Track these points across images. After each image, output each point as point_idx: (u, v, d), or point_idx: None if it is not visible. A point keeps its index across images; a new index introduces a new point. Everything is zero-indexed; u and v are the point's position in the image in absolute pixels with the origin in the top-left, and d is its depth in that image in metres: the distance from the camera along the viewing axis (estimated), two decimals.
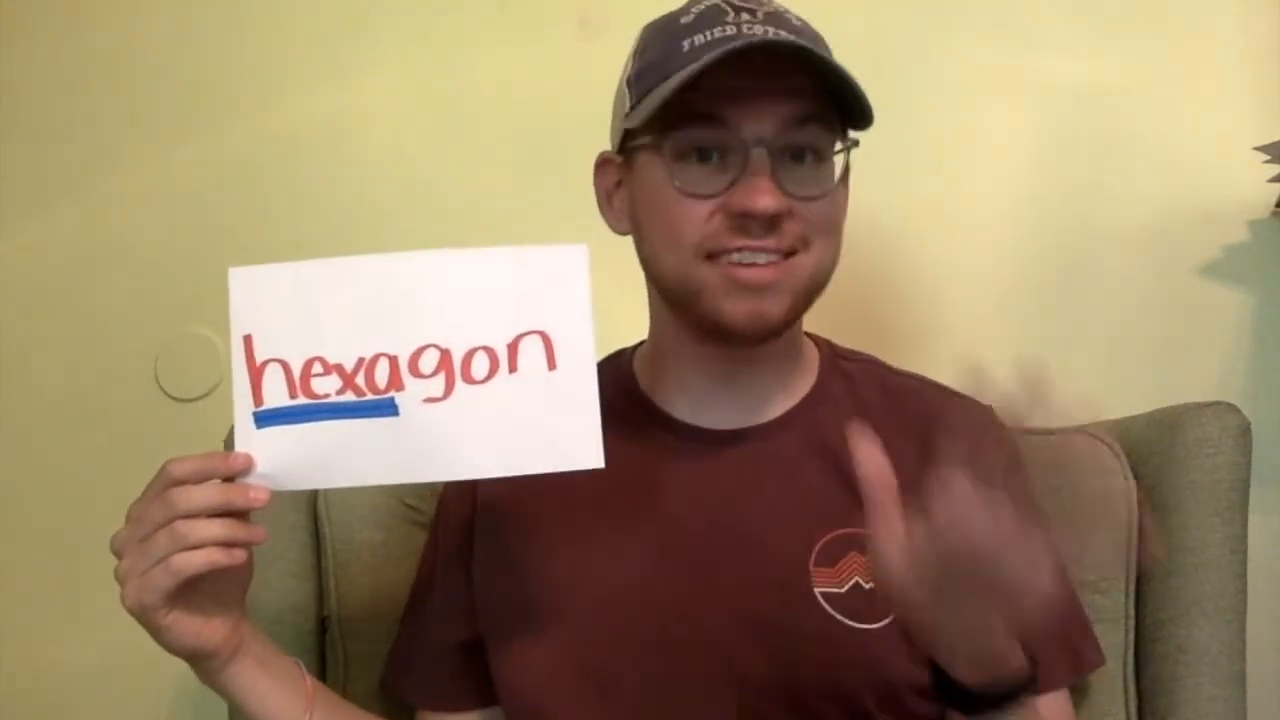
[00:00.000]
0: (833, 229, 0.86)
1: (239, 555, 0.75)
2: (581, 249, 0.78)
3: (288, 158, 1.35)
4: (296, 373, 0.77)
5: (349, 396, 0.77)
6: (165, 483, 0.74)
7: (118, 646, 1.09)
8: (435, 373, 0.77)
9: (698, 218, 0.82)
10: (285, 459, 0.77)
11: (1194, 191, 1.24)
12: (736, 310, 0.83)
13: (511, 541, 0.91)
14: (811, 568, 0.85)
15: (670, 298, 0.87)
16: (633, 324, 0.95)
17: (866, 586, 0.83)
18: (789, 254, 0.82)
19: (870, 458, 0.68)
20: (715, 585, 0.85)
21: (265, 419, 0.77)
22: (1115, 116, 1.26)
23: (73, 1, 1.38)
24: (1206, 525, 1.01)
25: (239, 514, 0.76)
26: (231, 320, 0.78)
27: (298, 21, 1.36)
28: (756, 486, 0.88)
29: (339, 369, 0.77)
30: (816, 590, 0.84)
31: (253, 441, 0.77)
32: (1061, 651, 0.89)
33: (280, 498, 0.76)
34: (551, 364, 0.77)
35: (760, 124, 0.81)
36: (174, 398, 1.35)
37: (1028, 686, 0.73)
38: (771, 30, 0.81)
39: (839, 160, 0.85)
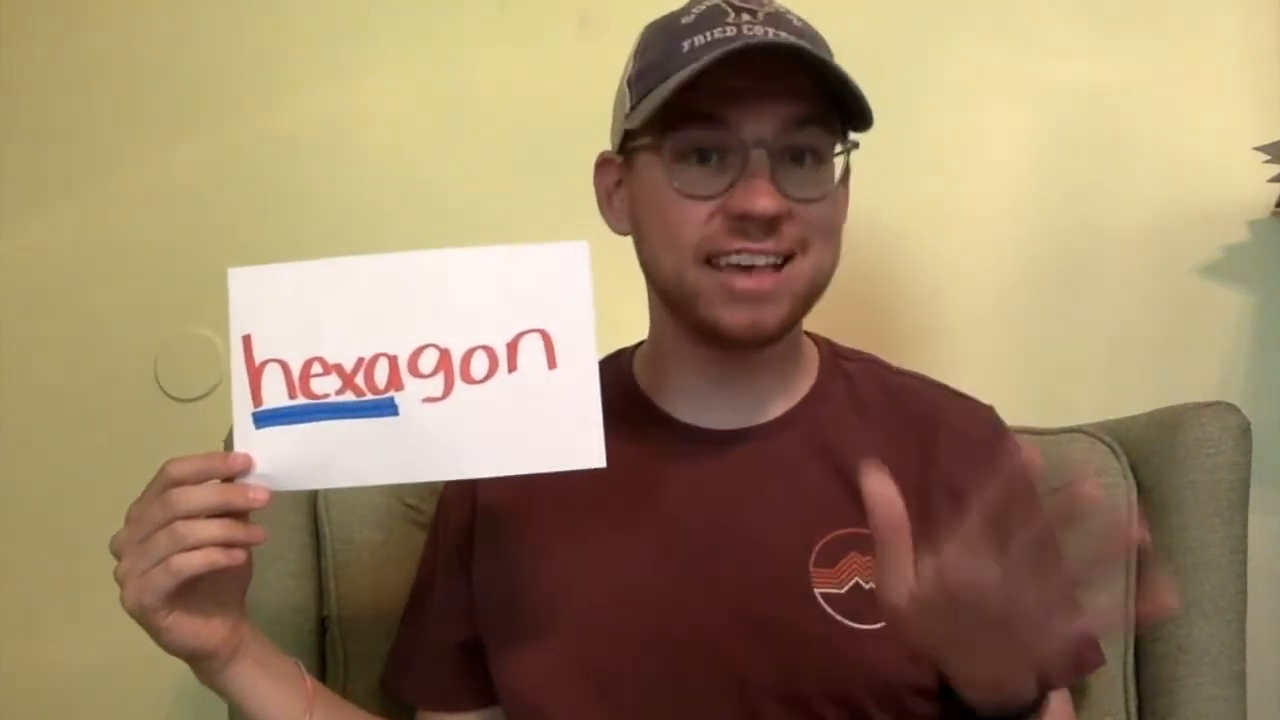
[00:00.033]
0: (832, 231, 0.85)
1: (238, 556, 0.75)
2: (582, 245, 0.77)
3: (288, 158, 1.35)
4: (296, 373, 0.77)
5: (348, 396, 0.77)
6: (165, 483, 0.74)
7: (118, 646, 1.09)
8: (434, 372, 0.77)
9: (697, 219, 0.82)
10: (285, 459, 0.77)
11: (1194, 191, 1.24)
12: (734, 319, 0.82)
13: (511, 541, 0.91)
14: (811, 568, 0.84)
15: (669, 300, 0.87)
16: (633, 324, 0.94)
17: (866, 587, 0.83)
18: (787, 258, 0.82)
19: (881, 494, 0.65)
20: (715, 586, 0.85)
21: (265, 419, 0.77)
22: (1115, 116, 1.26)
23: (73, 1, 1.38)
24: (1206, 525, 1.01)
25: (238, 514, 0.76)
26: (231, 320, 0.78)
27: (298, 21, 1.36)
28: (756, 487, 0.88)
29: (338, 369, 0.77)
30: (816, 591, 0.84)
31: (252, 442, 0.77)
32: None
33: (280, 498, 0.76)
34: (552, 363, 0.77)
35: (760, 125, 0.80)
36: (174, 398, 1.35)
37: (1036, 707, 0.73)
38: (772, 31, 0.81)
39: (839, 162, 0.85)
